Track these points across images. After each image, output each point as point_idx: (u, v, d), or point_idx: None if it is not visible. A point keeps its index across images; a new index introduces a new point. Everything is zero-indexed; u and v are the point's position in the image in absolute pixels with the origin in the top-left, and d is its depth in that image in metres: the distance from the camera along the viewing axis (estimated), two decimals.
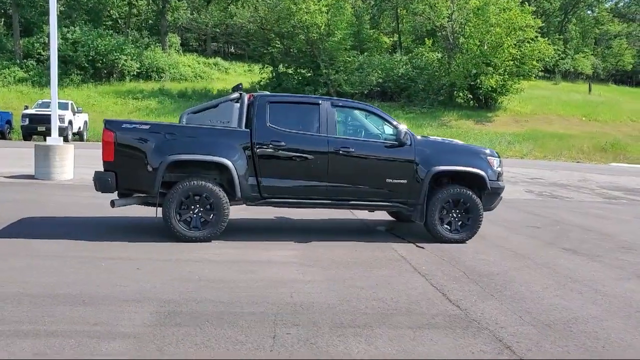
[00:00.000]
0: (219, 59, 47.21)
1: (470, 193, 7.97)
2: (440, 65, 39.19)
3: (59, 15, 40.66)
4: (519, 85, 38.34)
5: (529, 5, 37.63)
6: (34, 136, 25.23)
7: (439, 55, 40.77)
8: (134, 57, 38.68)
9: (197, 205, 7.34)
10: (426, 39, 41.88)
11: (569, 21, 61.41)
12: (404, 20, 46.57)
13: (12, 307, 4.63)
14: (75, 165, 13.61)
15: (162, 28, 43.96)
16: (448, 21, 38.19)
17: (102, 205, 9.57)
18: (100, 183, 7.27)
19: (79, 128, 26.34)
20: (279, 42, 37.08)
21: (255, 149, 7.47)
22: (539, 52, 37.37)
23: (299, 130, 7.76)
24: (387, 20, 48.36)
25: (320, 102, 7.90)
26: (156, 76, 39.62)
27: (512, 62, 36.64)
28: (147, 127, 7.33)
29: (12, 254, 6.37)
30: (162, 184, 7.24)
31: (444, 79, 37.12)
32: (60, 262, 6.09)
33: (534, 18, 37.93)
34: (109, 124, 7.26)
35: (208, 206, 7.37)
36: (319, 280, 5.82)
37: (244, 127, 7.58)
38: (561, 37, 56.64)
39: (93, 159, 17.46)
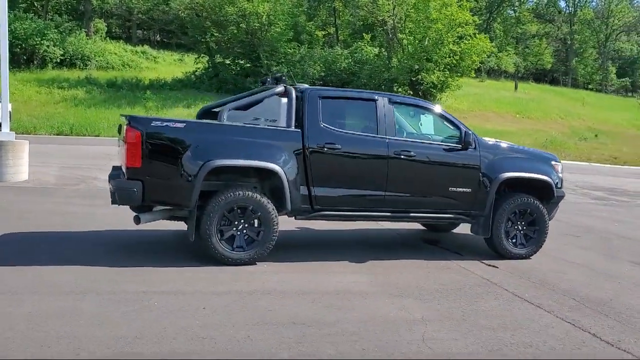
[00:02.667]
0: (147, 47, 44.49)
1: (538, 203, 7.13)
2: (379, 59, 38.70)
3: None
4: (458, 82, 38.47)
5: (466, 1, 37.68)
6: None
7: (377, 50, 40.28)
8: (57, 43, 35.53)
9: (242, 221, 6.05)
10: (364, 33, 41.29)
11: (493, 20, 62.79)
12: (341, 14, 45.73)
13: None
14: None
15: (87, 13, 40.86)
16: (389, 16, 37.72)
17: (88, 214, 8.26)
18: (123, 194, 5.79)
19: None
20: (216, 31, 35.18)
21: (307, 153, 6.27)
22: (477, 48, 37.51)
23: (354, 131, 6.62)
24: (323, 12, 47.33)
25: (376, 98, 6.79)
26: (81, 64, 36.55)
27: (451, 58, 36.66)
28: (182, 125, 5.94)
29: (24, 290, 4.87)
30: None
31: (385, 74, 36.61)
32: (97, 302, 4.67)
33: (472, 15, 38.14)
34: (135, 122, 5.81)
35: (254, 221, 6.11)
36: (435, 320, 4.74)
37: (293, 127, 6.34)
38: (487, 35, 57.76)
39: (40, 155, 15.46)
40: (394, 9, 37.27)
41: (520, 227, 7.16)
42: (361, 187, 6.53)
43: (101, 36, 41.83)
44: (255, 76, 34.65)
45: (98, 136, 25.40)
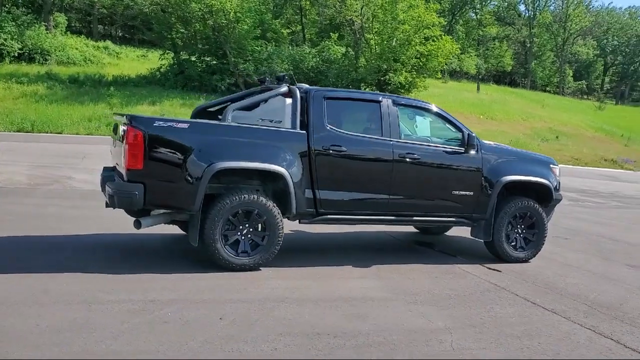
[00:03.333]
0: (109, 43, 43.39)
1: (538, 206, 7.13)
2: (346, 59, 38.67)
3: None
4: (425, 83, 38.73)
5: (432, 3, 37.99)
6: None
7: (344, 49, 40.23)
8: (15, 37, 34.28)
9: (246, 225, 5.84)
10: (331, 32, 41.17)
11: (456, 22, 63.55)
12: (308, 12, 45.54)
13: None
14: None
15: (46, 6, 39.55)
16: (357, 16, 37.70)
17: (72, 217, 7.98)
18: (124, 198, 5.49)
19: None
20: (182, 27, 34.51)
21: (313, 155, 6.09)
22: (443, 50, 37.82)
23: (359, 133, 6.47)
24: (289, 11, 47.04)
25: (380, 99, 6.66)
26: (41, 59, 35.38)
27: (417, 59, 36.87)
28: (186, 125, 5.68)
29: (22, 300, 4.54)
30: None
31: (353, 74, 36.59)
32: (105, 313, 4.40)
33: (439, 17, 38.45)
34: (137, 121, 5.51)
35: (259, 226, 5.90)
36: (458, 328, 4.64)
37: (298, 128, 6.15)
38: (452, 37, 58.42)
39: (6, 153, 14.85)
40: (361, 8, 37.26)
41: (520, 231, 7.14)
42: (366, 190, 6.39)
43: (61, 30, 40.58)
44: (221, 73, 34.20)
45: (61, 133, 24.57)
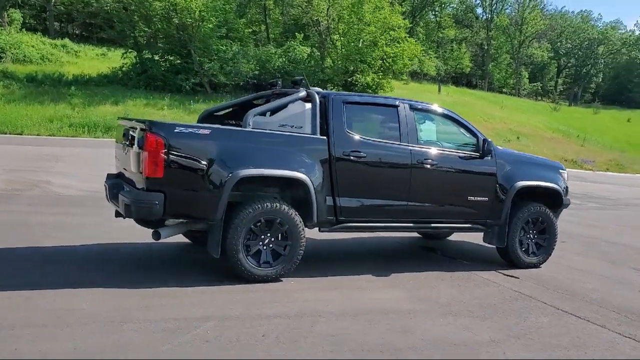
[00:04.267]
0: (67, 41, 42.06)
1: (549, 212, 7.13)
2: (312, 60, 38.57)
3: None
4: (391, 84, 38.93)
5: (398, 5, 38.26)
6: None
7: (309, 50, 40.11)
8: None
9: (268, 234, 5.62)
10: (296, 33, 40.98)
11: (416, 24, 64.15)
12: (271, 12, 45.23)
13: None
14: None
15: (0, 1, 38.11)
16: (323, 17, 37.63)
17: (65, 225, 7.71)
18: (142, 208, 5.19)
19: None
20: (145, 26, 33.73)
21: (334, 162, 5.91)
22: (407, 52, 38.12)
23: (377, 138, 6.32)
24: (252, 10, 46.57)
25: (398, 104, 6.53)
26: None
27: (382, 61, 37.06)
28: (207, 131, 5.42)
29: (47, 321, 4.21)
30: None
31: (319, 74, 36.51)
32: (142, 333, 4.11)
33: (404, 19, 38.75)
34: (157, 127, 5.21)
35: (281, 235, 5.69)
36: (503, 340, 4.54)
37: (319, 134, 5.96)
38: (417, 40, 58.91)
39: None
40: (327, 9, 37.21)
41: (532, 236, 7.12)
42: (385, 197, 6.25)
43: (16, 27, 39.15)
44: (186, 73, 33.58)
45: (21, 134, 23.65)
